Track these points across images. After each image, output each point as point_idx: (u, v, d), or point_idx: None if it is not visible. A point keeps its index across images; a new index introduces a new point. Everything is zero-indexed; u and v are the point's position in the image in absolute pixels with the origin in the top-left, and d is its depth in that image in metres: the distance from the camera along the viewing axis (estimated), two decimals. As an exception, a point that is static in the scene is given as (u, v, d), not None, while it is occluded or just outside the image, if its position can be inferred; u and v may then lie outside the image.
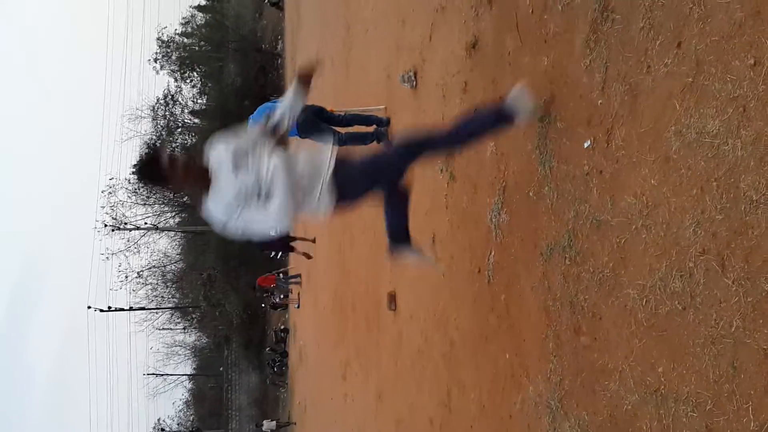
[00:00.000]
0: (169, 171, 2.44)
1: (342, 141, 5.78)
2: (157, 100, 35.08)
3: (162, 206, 39.17)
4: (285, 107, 2.69)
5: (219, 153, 2.49)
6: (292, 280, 18.76)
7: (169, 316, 43.26)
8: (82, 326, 70.96)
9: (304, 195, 2.49)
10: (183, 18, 37.80)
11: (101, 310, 39.90)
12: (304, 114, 5.13)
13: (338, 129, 5.75)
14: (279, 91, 24.04)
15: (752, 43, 1.60)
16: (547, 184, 2.64)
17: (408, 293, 5.11)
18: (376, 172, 2.66)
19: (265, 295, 22.53)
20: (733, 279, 1.63)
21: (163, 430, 47.88)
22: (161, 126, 35.64)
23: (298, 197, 2.47)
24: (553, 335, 2.56)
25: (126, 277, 37.97)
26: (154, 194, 35.28)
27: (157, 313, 42.36)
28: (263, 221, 2.47)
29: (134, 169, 2.49)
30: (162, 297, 41.25)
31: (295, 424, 19.91)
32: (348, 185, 2.55)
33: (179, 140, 35.71)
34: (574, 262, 2.42)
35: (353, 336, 7.90)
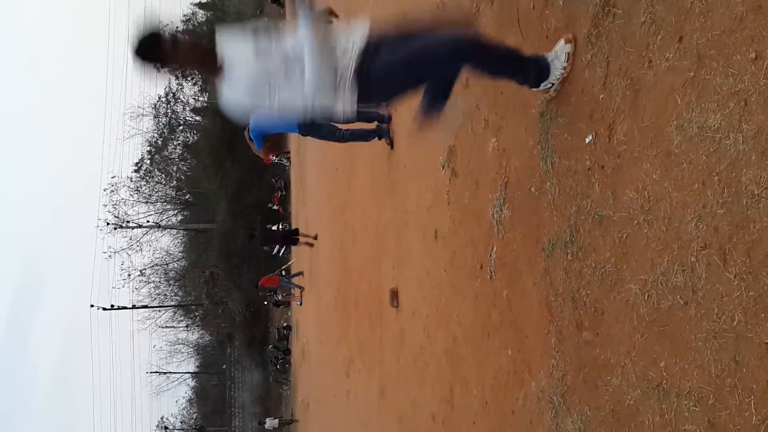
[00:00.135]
0: (171, 50, 2.26)
1: (343, 137, 5.79)
2: (159, 97, 35.19)
3: (164, 204, 39.29)
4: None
5: (235, 41, 2.36)
6: (295, 278, 18.78)
7: (172, 314, 43.47)
8: (84, 325, 71.54)
9: (336, 75, 2.31)
10: (184, 15, 37.92)
11: (104, 309, 40.09)
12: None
13: (339, 125, 5.76)
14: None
15: (753, 37, 1.60)
16: (549, 179, 2.64)
17: (410, 290, 5.11)
18: (424, 66, 2.37)
19: (267, 294, 22.60)
20: (734, 273, 1.63)
21: (166, 428, 48.10)
22: (163, 123, 35.73)
23: (329, 75, 2.29)
24: (555, 331, 2.56)
25: (128, 275, 38.18)
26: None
27: (159, 311, 42.56)
28: (297, 98, 2.32)
29: (133, 48, 2.24)
30: (165, 295, 41.45)
31: (297, 421, 19.96)
32: (381, 80, 2.34)
33: (181, 138, 35.76)
34: (576, 257, 2.42)
35: (356, 333, 7.91)
